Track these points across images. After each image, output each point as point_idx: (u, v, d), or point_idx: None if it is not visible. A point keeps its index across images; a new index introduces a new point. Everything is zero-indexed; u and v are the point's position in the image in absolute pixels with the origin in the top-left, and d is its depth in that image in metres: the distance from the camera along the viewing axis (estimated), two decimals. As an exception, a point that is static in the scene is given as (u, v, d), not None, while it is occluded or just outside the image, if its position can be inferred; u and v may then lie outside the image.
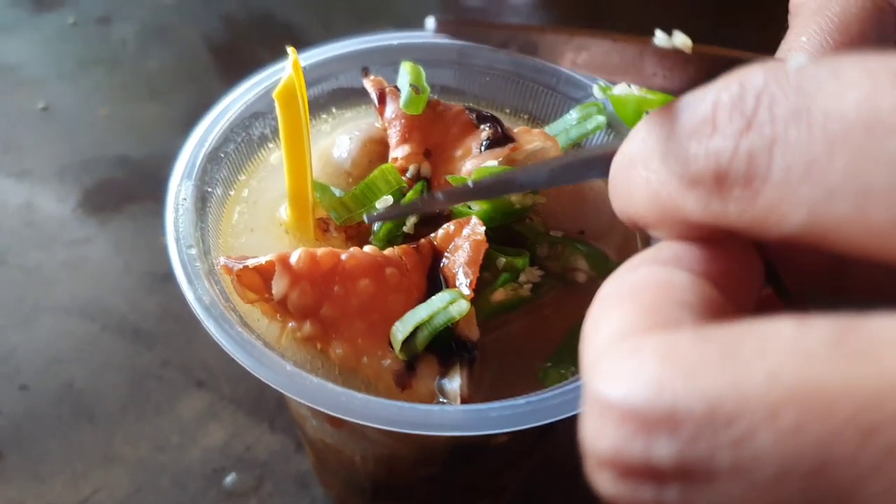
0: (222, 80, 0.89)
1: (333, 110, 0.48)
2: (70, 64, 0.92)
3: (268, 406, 0.64)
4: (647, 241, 0.43)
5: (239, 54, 0.93)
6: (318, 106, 0.47)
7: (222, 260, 0.37)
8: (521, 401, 0.32)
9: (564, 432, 0.64)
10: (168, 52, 0.94)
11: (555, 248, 0.41)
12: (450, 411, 0.32)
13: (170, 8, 1.00)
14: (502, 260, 0.39)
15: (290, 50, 0.36)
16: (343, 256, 0.37)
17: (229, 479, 0.60)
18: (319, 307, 0.36)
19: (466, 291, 0.36)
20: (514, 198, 0.40)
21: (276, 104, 0.36)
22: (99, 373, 0.65)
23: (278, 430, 0.63)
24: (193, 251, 0.37)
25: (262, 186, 0.44)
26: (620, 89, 0.38)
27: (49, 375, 0.64)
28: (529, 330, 0.39)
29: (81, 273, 0.72)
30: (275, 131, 0.46)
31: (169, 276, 0.72)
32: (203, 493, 0.59)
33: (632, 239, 0.44)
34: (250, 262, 0.36)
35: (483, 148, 0.42)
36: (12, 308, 0.68)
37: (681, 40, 0.25)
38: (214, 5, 1.01)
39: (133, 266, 0.73)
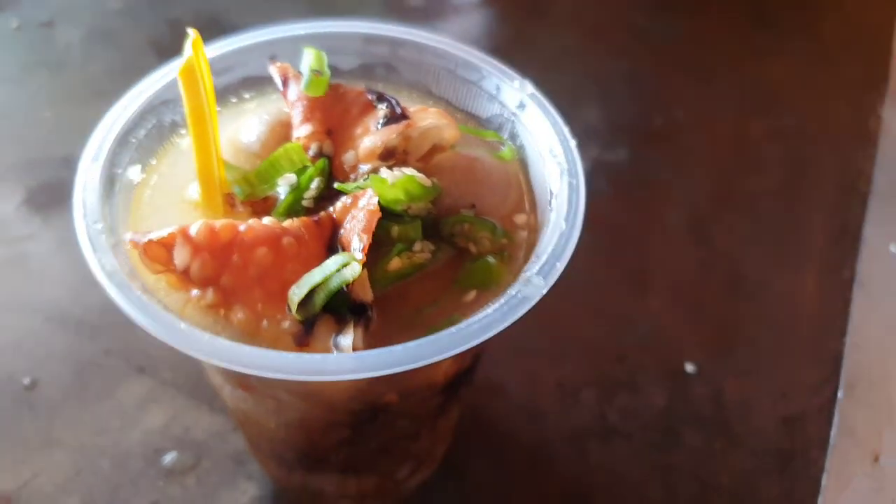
0: (165, 80, 0.91)
1: (245, 96, 0.51)
2: (14, 68, 0.94)
3: (207, 390, 0.66)
4: (533, 206, 0.47)
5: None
6: (229, 92, 0.50)
7: (128, 235, 0.39)
8: (398, 347, 0.35)
9: (491, 400, 0.67)
10: (113, 55, 0.96)
11: (462, 226, 0.44)
12: (332, 357, 0.35)
13: (115, 12, 1.02)
14: (396, 229, 0.42)
15: (190, 31, 0.38)
16: (241, 228, 0.39)
17: (168, 458, 0.62)
18: (220, 276, 0.39)
19: (359, 255, 0.39)
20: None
21: (180, 81, 0.39)
22: (41, 363, 0.67)
23: (217, 412, 0.65)
24: (100, 226, 0.39)
25: (173, 171, 0.47)
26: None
27: (-9, 366, 0.66)
28: (422, 288, 0.42)
29: (24, 269, 0.74)
30: (185, 117, 0.48)
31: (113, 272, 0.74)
32: (143, 472, 0.61)
33: (519, 211, 0.47)
34: (153, 236, 0.39)
35: (380, 125, 0.44)
36: (-45, 303, 0.70)
37: None
38: (160, 9, 1.03)
39: (76, 261, 0.73)
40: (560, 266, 0.39)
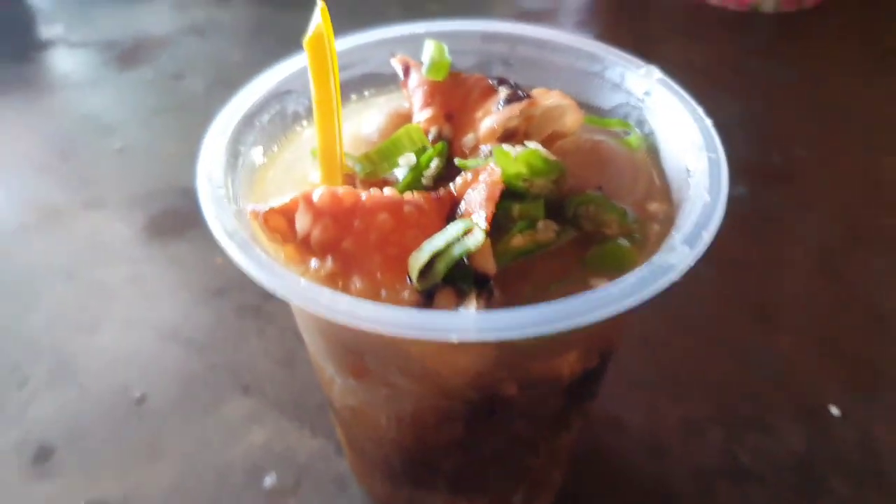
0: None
1: (365, 93, 0.51)
2: (145, 112, 1.00)
3: (309, 411, 0.65)
4: (666, 194, 0.44)
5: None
6: (350, 89, 0.50)
7: (249, 206, 0.39)
8: (531, 308, 0.32)
9: (609, 422, 0.62)
10: (233, 100, 1.01)
11: (588, 208, 0.42)
12: (458, 315, 0.32)
13: (237, 63, 1.08)
14: (517, 208, 0.40)
15: (319, 1, 0.39)
16: (363, 196, 0.38)
17: (269, 478, 0.60)
18: (340, 242, 0.38)
19: (483, 224, 0.37)
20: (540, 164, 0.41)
21: (306, 52, 0.39)
22: (151, 376, 0.67)
23: (318, 435, 0.63)
24: (222, 192, 0.39)
25: (295, 159, 0.47)
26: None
27: (105, 378, 0.67)
28: (546, 267, 0.39)
29: (141, 288, 0.76)
30: (308, 110, 0.49)
31: (222, 291, 0.75)
32: (244, 489, 0.59)
33: (653, 195, 0.44)
34: (274, 203, 0.38)
35: (501, 106, 0.43)
36: (78, 317, 0.72)
37: None
38: (277, 60, 1.09)
39: (189, 282, 0.76)
40: (706, 236, 0.36)
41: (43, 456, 0.61)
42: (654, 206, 0.43)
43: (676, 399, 0.66)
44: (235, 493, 0.59)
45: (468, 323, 0.32)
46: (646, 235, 0.42)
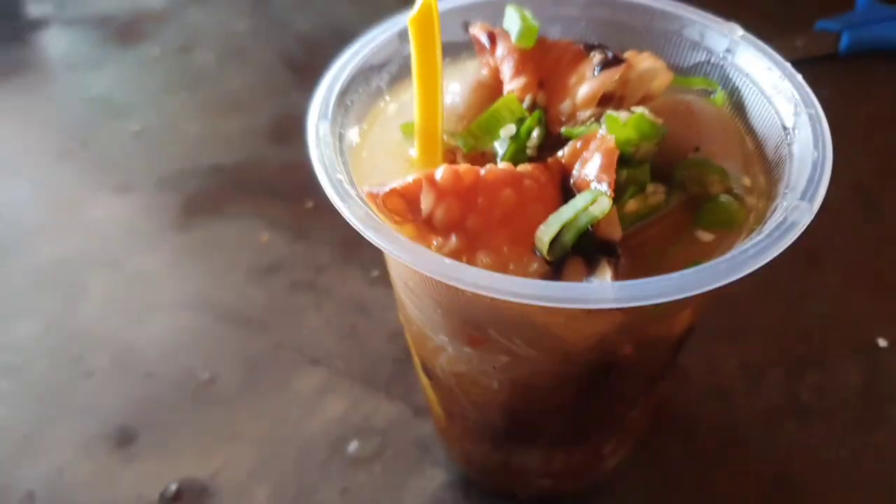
0: (301, 92, 0.93)
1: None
2: (157, 90, 0.98)
3: (382, 378, 0.66)
4: (758, 159, 0.44)
5: (315, 66, 0.98)
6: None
7: (365, 188, 0.39)
8: (671, 275, 0.33)
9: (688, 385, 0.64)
10: (247, 71, 0.99)
11: (690, 171, 0.42)
12: (603, 285, 0.33)
13: (244, 33, 1.06)
14: (624, 173, 0.41)
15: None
16: (482, 172, 0.39)
17: (352, 446, 0.61)
18: (465, 220, 0.38)
19: (608, 191, 0.37)
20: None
21: (410, 30, 0.38)
22: (216, 359, 0.67)
23: (395, 399, 0.64)
24: (341, 177, 0.39)
25: (384, 136, 0.47)
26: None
27: (170, 363, 0.67)
28: (659, 231, 0.40)
29: (188, 272, 0.75)
30: (388, 83, 0.48)
31: (273, 268, 0.75)
32: (328, 460, 0.60)
33: (749, 156, 0.45)
34: (395, 185, 0.38)
35: (597, 71, 0.43)
36: (126, 308, 0.72)
37: None
38: (287, 26, 1.07)
39: (237, 263, 0.76)
40: (822, 191, 0.37)
41: (127, 440, 0.62)
42: (745, 179, 0.44)
43: (734, 344, 0.68)
44: (321, 463, 0.60)
45: (607, 293, 0.33)
46: (744, 202, 0.43)
